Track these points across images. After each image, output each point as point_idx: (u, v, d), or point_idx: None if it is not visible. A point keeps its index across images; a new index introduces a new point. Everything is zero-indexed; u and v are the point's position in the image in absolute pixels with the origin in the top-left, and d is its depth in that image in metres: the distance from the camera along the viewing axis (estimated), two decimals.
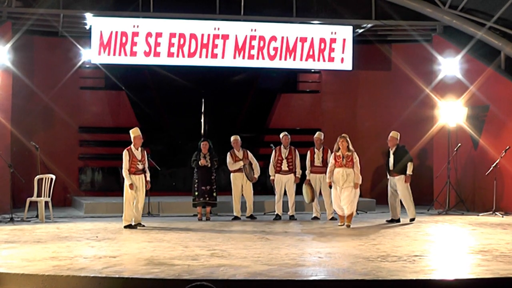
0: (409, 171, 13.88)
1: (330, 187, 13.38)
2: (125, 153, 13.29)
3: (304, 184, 14.45)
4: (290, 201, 14.84)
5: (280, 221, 14.42)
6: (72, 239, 11.18)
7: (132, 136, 13.46)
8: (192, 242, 10.83)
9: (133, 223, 13.18)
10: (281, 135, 15.01)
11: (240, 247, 10.22)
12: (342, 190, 13.10)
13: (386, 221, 14.07)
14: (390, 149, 14.26)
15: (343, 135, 13.23)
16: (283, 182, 14.81)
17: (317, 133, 15.01)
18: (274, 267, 8.35)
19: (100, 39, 16.36)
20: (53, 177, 14.49)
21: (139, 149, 13.42)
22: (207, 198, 14.50)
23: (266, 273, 8.00)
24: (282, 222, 14.20)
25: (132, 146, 13.39)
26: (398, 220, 14.03)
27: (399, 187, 13.95)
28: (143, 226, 13.21)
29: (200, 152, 14.59)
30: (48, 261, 8.78)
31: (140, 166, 13.32)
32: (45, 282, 7.67)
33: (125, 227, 13.05)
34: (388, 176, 14.26)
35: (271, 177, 14.90)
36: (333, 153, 13.33)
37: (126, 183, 13.17)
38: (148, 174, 13.50)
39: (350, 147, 13.15)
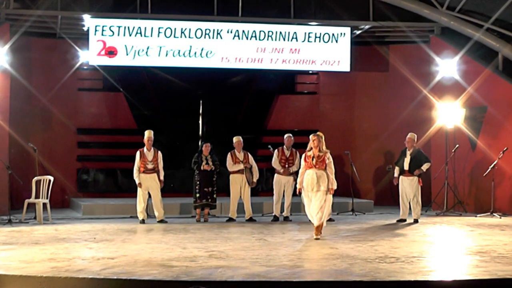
0: (424, 168, 14.54)
1: (300, 193, 11.70)
2: (137, 154, 14.37)
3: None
4: (286, 202, 14.84)
5: (278, 222, 14.42)
6: (70, 241, 11.18)
7: (144, 137, 14.49)
8: (190, 243, 10.83)
9: (145, 219, 14.22)
10: (285, 136, 15.07)
11: (238, 248, 10.22)
12: (312, 195, 11.39)
13: (397, 221, 14.46)
14: (407, 150, 14.66)
15: (317, 133, 11.72)
16: (283, 183, 14.84)
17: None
18: (272, 269, 8.35)
19: (98, 40, 16.36)
20: (51, 178, 14.49)
21: (151, 150, 14.41)
22: (209, 200, 14.55)
23: (264, 274, 8.00)
24: (280, 224, 14.20)
25: (145, 147, 14.39)
26: (405, 220, 14.45)
27: (412, 188, 14.47)
28: (166, 222, 14.20)
29: (201, 154, 14.61)
30: (46, 262, 8.78)
31: (150, 166, 14.29)
32: (43, 283, 7.66)
33: (140, 222, 14.19)
34: (399, 176, 14.61)
35: (281, 170, 14.81)
36: (304, 154, 11.65)
37: (136, 182, 14.22)
38: (161, 174, 14.46)
39: (323, 147, 11.48)
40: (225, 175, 15.78)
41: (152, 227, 13.46)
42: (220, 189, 15.66)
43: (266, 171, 15.22)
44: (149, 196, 14.43)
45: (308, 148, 11.55)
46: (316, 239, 11.23)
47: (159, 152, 14.51)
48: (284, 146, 14.97)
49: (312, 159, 11.39)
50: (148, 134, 14.50)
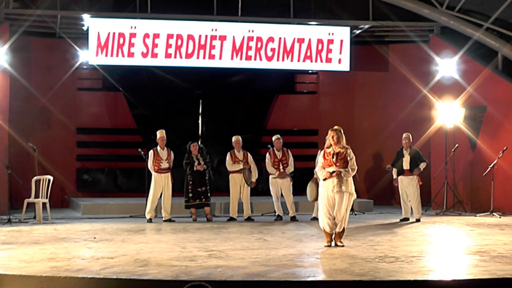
0: (421, 167, 14.57)
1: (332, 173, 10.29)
2: (150, 152, 14.53)
3: (310, 182, 14.39)
4: (288, 202, 14.82)
5: (279, 222, 14.42)
6: (70, 240, 11.18)
7: (157, 137, 14.64)
8: (189, 243, 10.84)
9: (153, 219, 14.33)
10: (273, 138, 15.05)
11: (237, 248, 10.22)
12: (334, 197, 10.28)
13: (400, 220, 14.49)
14: (404, 150, 14.68)
15: (335, 127, 10.57)
16: (279, 185, 14.83)
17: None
18: (271, 268, 8.35)
19: (98, 40, 16.37)
20: (51, 178, 14.48)
21: (165, 149, 14.58)
22: (203, 199, 14.57)
23: (264, 274, 8.00)
24: (281, 223, 14.19)
25: (158, 146, 14.56)
26: (408, 219, 14.48)
27: (412, 187, 14.51)
28: (173, 221, 14.34)
29: (191, 154, 14.62)
30: (45, 262, 8.78)
31: (164, 165, 14.45)
32: (42, 283, 7.66)
33: (147, 221, 14.31)
34: (399, 176, 14.64)
35: (276, 174, 14.79)
36: (322, 151, 10.66)
37: (153, 180, 14.39)
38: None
39: (343, 143, 10.41)
40: (222, 174, 15.79)
41: (158, 227, 13.47)
42: (219, 188, 15.68)
43: (266, 171, 15.20)
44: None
45: (327, 145, 10.50)
46: (342, 245, 10.28)
47: (171, 151, 14.68)
48: (274, 148, 14.95)
49: (332, 156, 10.28)
50: (161, 133, 14.66)
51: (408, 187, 14.53)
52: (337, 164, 10.25)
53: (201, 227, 13.27)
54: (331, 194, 10.27)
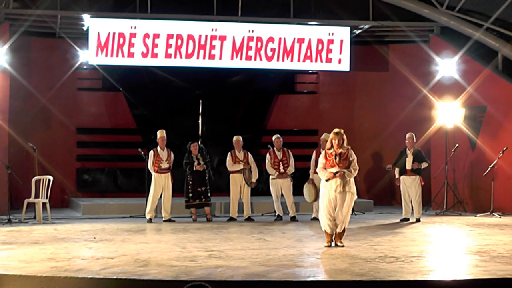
0: (422, 166, 14.58)
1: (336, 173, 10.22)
2: (150, 153, 14.54)
3: (306, 184, 14.44)
4: (288, 202, 14.81)
5: (279, 222, 14.42)
6: (70, 240, 11.18)
7: (157, 137, 14.67)
8: (189, 243, 10.84)
9: (153, 219, 14.33)
10: (273, 138, 15.04)
11: (237, 248, 10.22)
12: (336, 198, 10.26)
13: (400, 220, 14.50)
14: (408, 150, 14.71)
15: (336, 131, 10.47)
16: (279, 185, 14.83)
17: (324, 134, 14.89)
18: (271, 268, 8.35)
19: (98, 40, 16.36)
20: (51, 178, 14.48)
21: (165, 149, 14.59)
22: (203, 199, 14.57)
23: (264, 274, 8.00)
24: (281, 223, 14.19)
25: (158, 147, 14.57)
26: (409, 219, 14.46)
27: (414, 187, 14.52)
28: (173, 221, 14.34)
29: (191, 154, 14.61)
30: (45, 262, 8.78)
31: (164, 165, 14.44)
32: (42, 283, 7.66)
33: (147, 221, 14.32)
34: (401, 176, 14.64)
35: (275, 175, 14.80)
36: (323, 152, 10.59)
37: (153, 180, 14.40)
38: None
39: (345, 144, 10.39)
40: (223, 174, 15.77)
41: (158, 227, 13.48)
42: (219, 188, 15.66)
43: (266, 171, 15.20)
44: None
45: (328, 146, 10.46)
46: (341, 245, 10.29)
47: (171, 152, 14.67)
48: (274, 148, 14.94)
49: (335, 157, 10.26)
50: (161, 133, 14.68)
51: (410, 187, 14.54)
52: (340, 164, 10.24)
53: (201, 227, 13.27)
54: (333, 194, 10.25)
